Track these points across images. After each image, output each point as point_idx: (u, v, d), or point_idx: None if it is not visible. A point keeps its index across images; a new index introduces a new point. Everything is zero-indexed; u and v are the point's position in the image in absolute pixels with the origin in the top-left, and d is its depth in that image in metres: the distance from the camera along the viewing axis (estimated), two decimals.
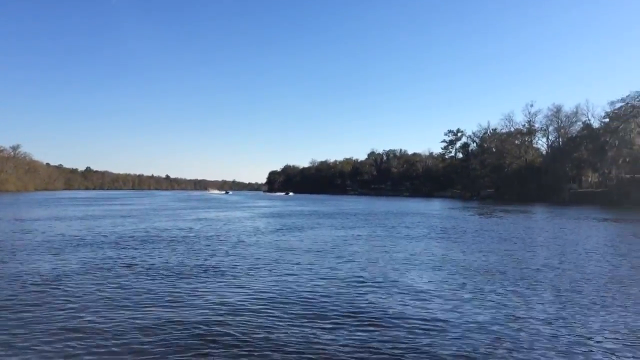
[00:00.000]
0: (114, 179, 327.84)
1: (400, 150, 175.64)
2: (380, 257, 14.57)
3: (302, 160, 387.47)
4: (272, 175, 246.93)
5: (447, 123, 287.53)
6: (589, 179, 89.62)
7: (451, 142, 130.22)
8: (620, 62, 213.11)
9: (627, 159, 73.17)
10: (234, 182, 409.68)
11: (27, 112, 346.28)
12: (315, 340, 6.41)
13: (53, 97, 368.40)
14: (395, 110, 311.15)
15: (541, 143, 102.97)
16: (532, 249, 16.77)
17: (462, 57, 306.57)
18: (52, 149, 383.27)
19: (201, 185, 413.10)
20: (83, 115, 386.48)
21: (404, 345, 6.25)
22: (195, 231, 22.23)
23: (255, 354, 5.90)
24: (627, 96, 74.66)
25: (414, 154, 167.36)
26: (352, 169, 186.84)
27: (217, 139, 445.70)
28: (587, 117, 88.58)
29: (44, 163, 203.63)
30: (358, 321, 7.34)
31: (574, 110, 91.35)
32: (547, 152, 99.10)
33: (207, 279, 10.54)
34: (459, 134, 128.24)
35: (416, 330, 6.90)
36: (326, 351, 6.00)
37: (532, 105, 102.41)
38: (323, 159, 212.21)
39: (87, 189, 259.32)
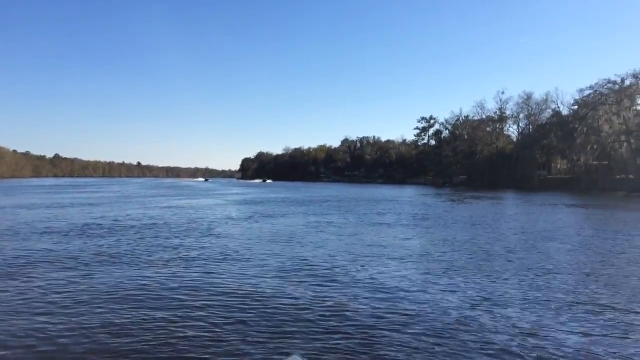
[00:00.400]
0: (84, 166, 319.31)
1: (374, 137, 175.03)
2: (349, 244, 14.53)
3: (276, 147, 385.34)
4: (246, 162, 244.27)
5: (420, 110, 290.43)
6: (558, 166, 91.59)
7: (424, 129, 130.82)
8: (589, 50, 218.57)
9: (595, 146, 74.88)
10: (206, 169, 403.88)
11: None
12: (280, 330, 6.28)
13: (19, 82, 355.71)
14: (369, 98, 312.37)
15: (512, 130, 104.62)
16: (499, 235, 17.08)
17: (435, 44, 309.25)
18: (18, 135, 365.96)
19: (173, 172, 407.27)
20: (51, 100, 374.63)
21: (371, 332, 6.18)
22: (165, 219, 21.76)
23: (219, 346, 5.71)
24: (595, 84, 76.14)
25: (388, 141, 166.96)
26: (325, 155, 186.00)
27: (189, 126, 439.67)
28: (557, 104, 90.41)
29: (11, 150, 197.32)
30: (323, 308, 7.23)
31: (544, 97, 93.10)
32: (517, 139, 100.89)
33: (174, 268, 10.27)
34: (432, 121, 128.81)
35: (383, 318, 6.83)
36: (293, 342, 5.87)
37: (503, 93, 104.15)
38: (297, 146, 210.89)
39: (55, 176, 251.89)
